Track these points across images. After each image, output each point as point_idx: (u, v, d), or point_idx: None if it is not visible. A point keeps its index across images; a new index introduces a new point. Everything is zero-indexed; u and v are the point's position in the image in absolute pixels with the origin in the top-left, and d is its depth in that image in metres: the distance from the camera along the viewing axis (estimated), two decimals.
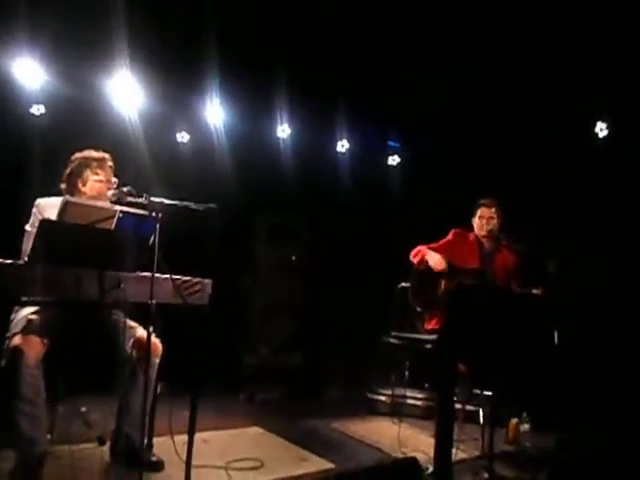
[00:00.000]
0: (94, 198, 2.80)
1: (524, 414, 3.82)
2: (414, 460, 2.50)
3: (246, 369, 5.10)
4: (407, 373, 4.48)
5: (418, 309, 3.75)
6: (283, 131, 5.47)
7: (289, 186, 5.32)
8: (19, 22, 3.73)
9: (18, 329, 2.46)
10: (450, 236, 3.84)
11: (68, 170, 2.87)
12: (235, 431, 3.72)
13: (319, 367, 5.36)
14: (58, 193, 2.82)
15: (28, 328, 2.46)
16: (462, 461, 3.25)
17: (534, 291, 3.37)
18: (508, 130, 4.83)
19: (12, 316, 2.56)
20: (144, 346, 2.47)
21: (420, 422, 4.17)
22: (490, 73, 4.57)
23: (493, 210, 3.80)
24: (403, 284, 3.98)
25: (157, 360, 2.76)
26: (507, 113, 4.76)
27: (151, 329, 2.42)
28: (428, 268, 3.65)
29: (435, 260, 3.61)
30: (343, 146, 5.80)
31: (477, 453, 3.45)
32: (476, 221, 3.84)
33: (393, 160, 6.10)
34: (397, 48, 4.52)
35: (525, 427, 3.79)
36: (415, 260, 3.69)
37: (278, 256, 5.53)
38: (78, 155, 2.89)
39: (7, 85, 4.20)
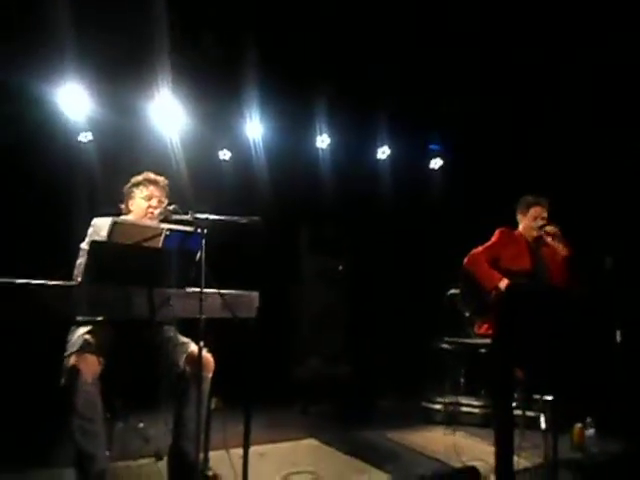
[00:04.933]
0: (140, 216, 2.89)
1: (588, 418, 3.66)
2: (474, 469, 2.42)
3: (298, 380, 5.09)
4: (462, 380, 4.38)
5: (469, 314, 3.66)
6: (322, 141, 5.49)
7: (331, 195, 5.33)
8: (65, 49, 3.88)
9: (74, 349, 2.52)
10: (497, 237, 3.72)
11: (124, 190, 3.01)
12: (290, 443, 3.70)
13: (371, 376, 5.30)
14: (116, 213, 2.92)
15: (84, 347, 2.51)
16: (525, 470, 3.14)
17: None
18: (553, 124, 4.70)
19: (69, 336, 2.63)
20: (196, 361, 2.49)
21: (478, 430, 4.05)
22: (535, 69, 4.47)
23: (546, 210, 3.69)
24: (452, 291, 3.90)
25: (209, 375, 2.76)
26: (555, 107, 4.63)
27: (202, 344, 2.44)
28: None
29: (505, 285, 3.44)
30: (384, 152, 5.76)
31: (540, 461, 3.31)
32: (527, 220, 3.71)
33: (435, 163, 6.03)
34: (433, 50, 4.48)
35: (590, 432, 3.63)
36: (494, 293, 3.47)
37: (323, 266, 5.53)
38: (134, 177, 3.02)
39: (55, 115, 4.37)
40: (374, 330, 5.50)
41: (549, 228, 3.54)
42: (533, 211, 3.71)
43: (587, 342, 2.84)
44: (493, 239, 3.71)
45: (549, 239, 3.59)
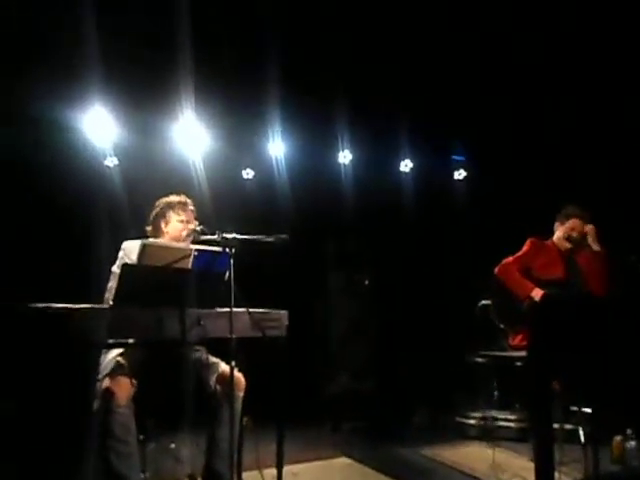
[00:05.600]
0: (175, 239, 2.93)
1: (628, 430, 3.55)
2: None
3: (328, 398, 5.05)
4: (496, 393, 4.30)
5: (502, 326, 3.60)
6: (345, 157, 5.51)
7: (355, 210, 5.32)
8: (89, 74, 3.96)
9: (107, 371, 2.54)
10: (528, 246, 3.65)
11: (153, 213, 3.03)
12: (323, 462, 3.67)
13: (402, 392, 5.23)
14: (144, 236, 2.95)
15: (116, 370, 2.53)
16: None
17: None
18: (575, 128, 4.63)
19: (101, 358, 2.65)
20: (227, 381, 2.49)
21: (514, 445, 3.96)
22: (554, 73, 4.42)
23: (586, 224, 3.60)
24: (484, 302, 3.84)
25: (241, 394, 2.76)
26: (576, 112, 4.58)
27: (233, 363, 2.44)
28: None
29: (539, 294, 3.37)
30: (406, 165, 5.75)
31: (580, 476, 3.22)
32: (564, 231, 3.63)
33: (459, 174, 5.98)
34: (454, 60, 4.46)
35: (631, 444, 3.51)
36: (526, 302, 3.39)
37: (349, 281, 5.50)
38: (163, 200, 3.05)
39: (81, 140, 4.46)
40: (404, 344, 5.44)
41: (587, 227, 3.49)
42: (572, 222, 3.62)
43: (624, 351, 2.76)
44: (524, 248, 3.65)
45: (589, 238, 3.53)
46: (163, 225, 2.99)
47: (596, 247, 3.51)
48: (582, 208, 3.66)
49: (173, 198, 3.04)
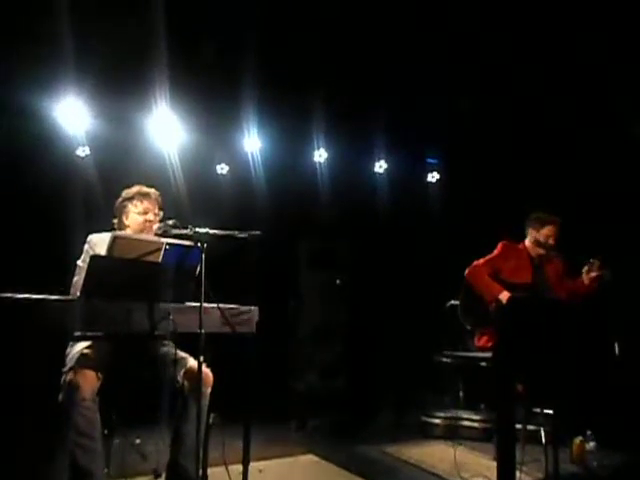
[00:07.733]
0: (139, 231, 2.89)
1: (588, 431, 3.65)
2: None
3: (296, 395, 5.06)
4: (461, 393, 4.36)
5: (468, 327, 3.65)
6: (320, 155, 5.52)
7: (329, 209, 5.34)
8: (63, 63, 3.89)
9: (73, 363, 2.50)
10: (499, 249, 3.71)
11: (116, 205, 2.98)
12: (289, 459, 3.67)
13: (369, 391, 5.27)
14: (110, 228, 2.91)
15: (82, 362, 2.50)
16: None
17: None
18: (551, 136, 4.71)
19: (67, 350, 2.61)
20: (195, 376, 2.47)
21: (477, 444, 4.03)
22: (532, 81, 4.49)
23: (559, 230, 3.67)
24: (452, 302, 3.89)
25: (209, 390, 2.75)
26: (549, 120, 4.66)
27: (201, 359, 2.42)
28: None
29: (506, 297, 3.42)
30: (381, 167, 5.79)
31: (540, 475, 3.30)
32: (538, 236, 3.68)
33: (432, 177, 6.05)
34: (430, 64, 4.50)
35: (590, 445, 3.61)
36: (492, 306, 3.44)
37: (322, 280, 5.52)
38: (125, 191, 3.00)
39: (53, 129, 4.38)
40: (372, 344, 5.48)
41: (596, 263, 3.53)
42: (547, 230, 3.66)
43: (586, 355, 2.83)
44: (495, 251, 3.70)
45: (592, 272, 3.57)
46: (124, 218, 2.95)
47: (587, 280, 3.56)
48: (554, 214, 3.73)
49: (133, 189, 2.98)
